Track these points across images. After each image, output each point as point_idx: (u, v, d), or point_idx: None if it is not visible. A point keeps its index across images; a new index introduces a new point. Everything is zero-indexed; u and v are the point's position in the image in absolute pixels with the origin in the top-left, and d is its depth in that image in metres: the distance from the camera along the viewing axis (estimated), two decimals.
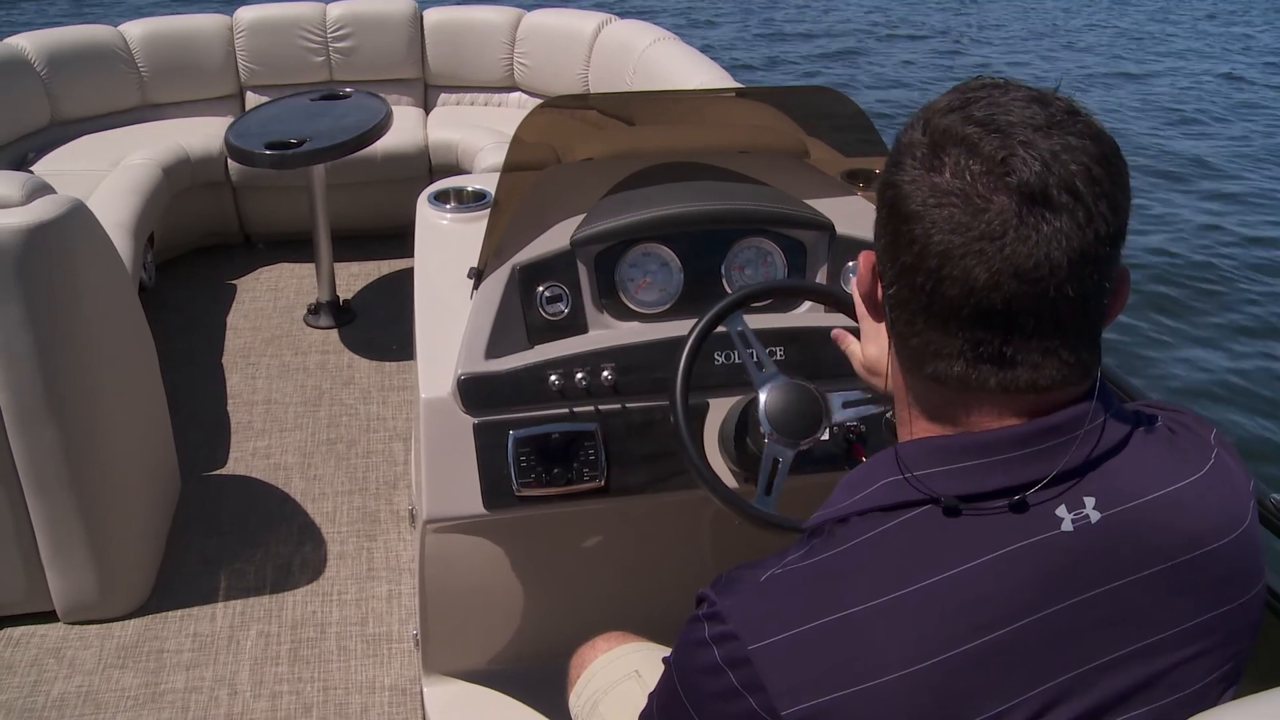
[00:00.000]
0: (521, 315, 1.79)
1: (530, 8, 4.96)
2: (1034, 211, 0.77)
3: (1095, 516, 0.83)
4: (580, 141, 2.11)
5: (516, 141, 1.88)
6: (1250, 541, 0.89)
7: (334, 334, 3.93)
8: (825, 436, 1.60)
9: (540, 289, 1.80)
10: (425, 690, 2.03)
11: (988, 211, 0.78)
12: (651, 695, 0.96)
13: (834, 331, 1.38)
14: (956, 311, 0.81)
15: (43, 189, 2.24)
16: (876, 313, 0.92)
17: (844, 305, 1.68)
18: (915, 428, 0.90)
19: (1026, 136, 0.78)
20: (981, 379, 0.82)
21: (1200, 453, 0.91)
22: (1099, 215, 0.78)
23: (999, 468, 0.83)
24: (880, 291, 0.89)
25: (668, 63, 4.09)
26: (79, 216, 2.25)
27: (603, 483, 1.77)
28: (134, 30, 4.60)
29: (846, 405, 1.62)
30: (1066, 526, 0.82)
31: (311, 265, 4.09)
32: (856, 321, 1.63)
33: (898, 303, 0.85)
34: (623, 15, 4.88)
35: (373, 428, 3.35)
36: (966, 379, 0.83)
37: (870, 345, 1.28)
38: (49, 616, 2.54)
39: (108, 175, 3.93)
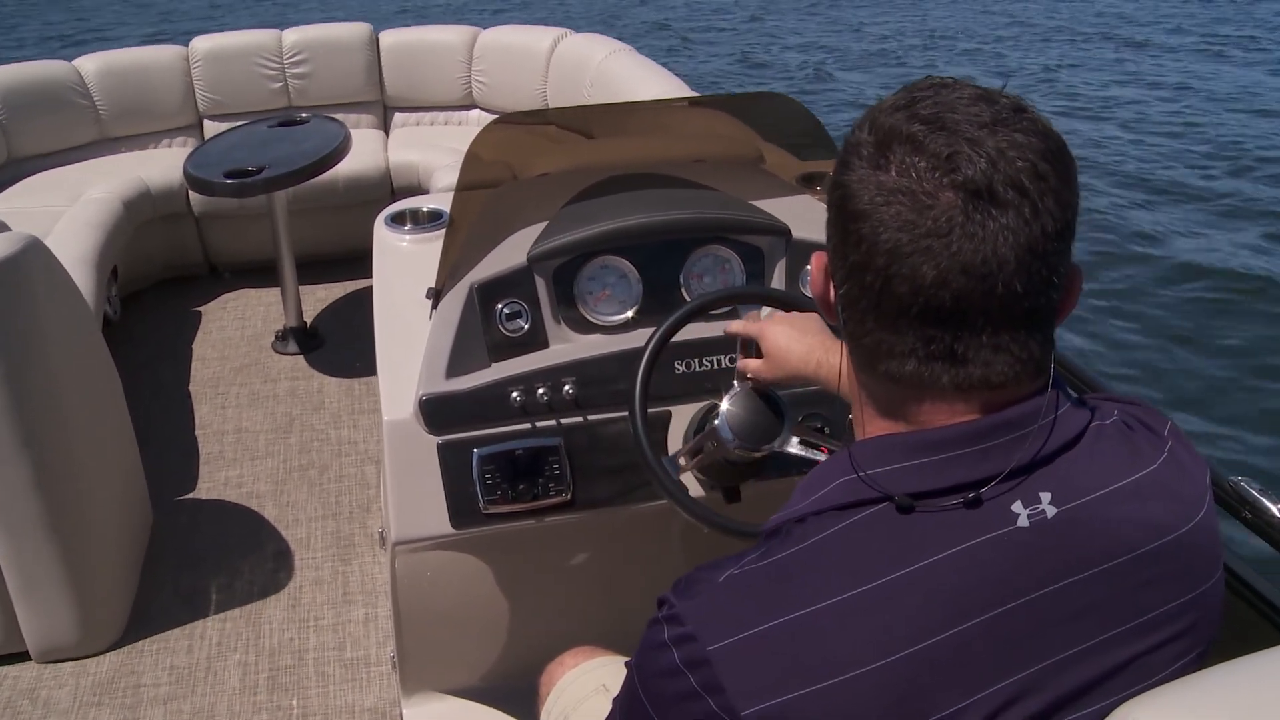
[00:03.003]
0: (481, 333, 1.79)
1: (486, 25, 4.98)
2: (980, 208, 0.77)
3: (1051, 511, 0.83)
4: (535, 157, 2.12)
5: (471, 159, 1.88)
6: (1209, 529, 0.90)
7: (302, 360, 3.91)
8: (791, 449, 1.59)
9: (499, 306, 1.80)
10: (405, 711, 2.02)
11: (934, 208, 0.78)
12: (615, 699, 0.96)
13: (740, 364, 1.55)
14: (906, 310, 0.81)
15: None
16: (830, 313, 0.92)
17: (800, 309, 1.69)
18: (870, 426, 0.90)
19: (972, 134, 0.78)
20: (934, 376, 0.83)
21: (1155, 444, 0.91)
22: (1045, 211, 0.79)
23: (953, 464, 0.83)
24: (832, 292, 0.89)
25: (624, 75, 4.11)
26: (35, 253, 2.24)
27: (569, 497, 1.77)
28: (89, 65, 4.58)
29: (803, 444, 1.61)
30: (1023, 522, 0.82)
31: (277, 292, 4.08)
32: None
33: (849, 302, 0.86)
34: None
35: (344, 452, 3.35)
36: (919, 377, 0.83)
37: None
38: (21, 657, 2.51)
39: (67, 211, 3.90)
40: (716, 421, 1.58)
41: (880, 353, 0.84)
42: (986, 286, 0.78)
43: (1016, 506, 0.83)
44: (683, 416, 1.78)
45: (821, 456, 1.54)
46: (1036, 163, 0.79)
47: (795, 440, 1.57)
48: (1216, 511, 0.94)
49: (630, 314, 1.88)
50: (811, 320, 1.45)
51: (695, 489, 1.76)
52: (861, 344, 0.86)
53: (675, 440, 1.79)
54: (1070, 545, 0.83)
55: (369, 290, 2.10)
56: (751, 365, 1.50)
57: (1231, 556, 1.34)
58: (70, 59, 4.62)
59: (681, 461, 1.63)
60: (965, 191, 0.77)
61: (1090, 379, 1.78)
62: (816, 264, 0.93)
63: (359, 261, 4.43)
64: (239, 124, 4.28)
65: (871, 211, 0.80)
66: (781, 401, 1.59)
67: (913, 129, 0.80)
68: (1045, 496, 0.83)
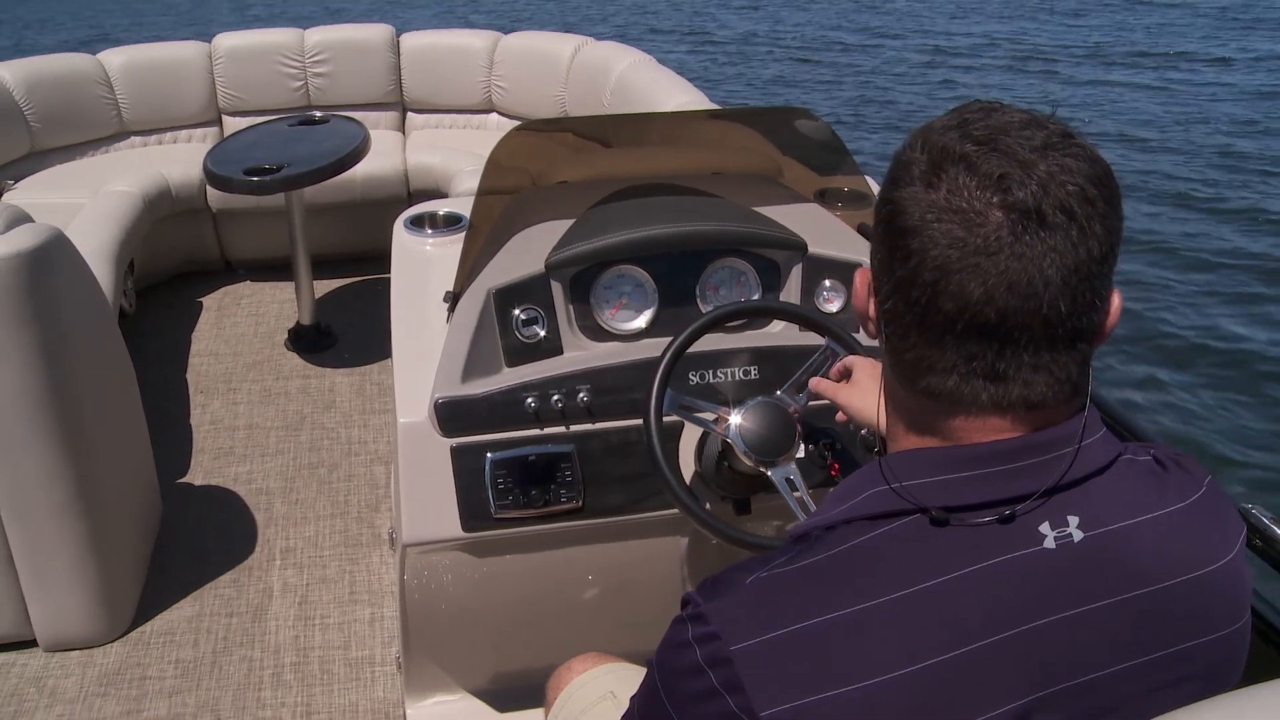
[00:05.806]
0: (498, 338, 1.81)
1: (507, 31, 4.99)
2: (1029, 229, 0.79)
3: (1078, 536, 0.84)
4: (555, 164, 2.13)
5: (492, 164, 1.89)
6: (1235, 575, 0.90)
7: (315, 358, 3.93)
8: (801, 454, 1.62)
9: (516, 312, 1.81)
10: (408, 712, 2.03)
11: (985, 227, 0.79)
12: (633, 697, 0.96)
13: (812, 382, 1.55)
14: (951, 326, 0.82)
15: (20, 219, 2.25)
16: (871, 328, 0.93)
17: (813, 325, 1.70)
18: (899, 442, 0.91)
19: (1024, 156, 0.80)
20: (974, 393, 0.84)
21: (1188, 486, 0.92)
22: (1092, 235, 0.80)
23: (986, 481, 0.84)
24: (874, 307, 0.90)
25: (644, 84, 4.12)
26: (57, 245, 2.26)
27: (580, 504, 1.78)
28: (113, 59, 4.61)
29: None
30: (1049, 544, 0.83)
31: (292, 289, 4.10)
32: (823, 337, 1.67)
33: (893, 317, 0.86)
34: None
35: (354, 451, 3.36)
36: (959, 393, 0.84)
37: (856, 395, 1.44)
38: (29, 645, 2.53)
39: (87, 203, 3.93)
40: (730, 423, 1.60)
41: (922, 368, 0.85)
42: (1031, 305, 0.80)
43: (1044, 528, 0.83)
44: (695, 428, 1.79)
45: (798, 509, 1.57)
46: (1085, 187, 0.80)
47: (787, 476, 1.59)
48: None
49: (645, 323, 1.89)
50: None
51: (707, 499, 1.76)
52: (903, 359, 0.87)
53: (687, 450, 1.79)
54: (1094, 571, 0.83)
55: (383, 290, 2.11)
56: (830, 385, 1.51)
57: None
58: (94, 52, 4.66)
59: (682, 401, 1.64)
60: (1015, 212, 0.79)
61: (1136, 427, 1.77)
62: (860, 279, 0.94)
63: (374, 261, 4.46)
64: (259, 121, 4.30)
65: (922, 227, 0.82)
66: (796, 428, 1.60)
67: (966, 149, 0.81)
68: (1073, 520, 0.84)
